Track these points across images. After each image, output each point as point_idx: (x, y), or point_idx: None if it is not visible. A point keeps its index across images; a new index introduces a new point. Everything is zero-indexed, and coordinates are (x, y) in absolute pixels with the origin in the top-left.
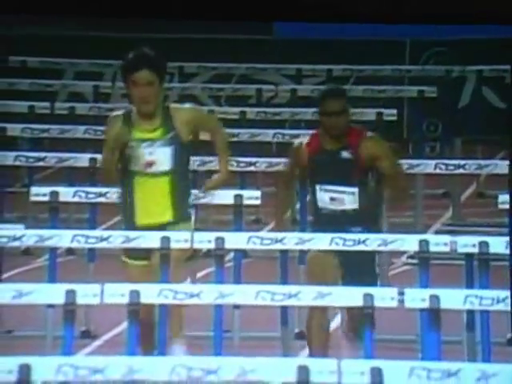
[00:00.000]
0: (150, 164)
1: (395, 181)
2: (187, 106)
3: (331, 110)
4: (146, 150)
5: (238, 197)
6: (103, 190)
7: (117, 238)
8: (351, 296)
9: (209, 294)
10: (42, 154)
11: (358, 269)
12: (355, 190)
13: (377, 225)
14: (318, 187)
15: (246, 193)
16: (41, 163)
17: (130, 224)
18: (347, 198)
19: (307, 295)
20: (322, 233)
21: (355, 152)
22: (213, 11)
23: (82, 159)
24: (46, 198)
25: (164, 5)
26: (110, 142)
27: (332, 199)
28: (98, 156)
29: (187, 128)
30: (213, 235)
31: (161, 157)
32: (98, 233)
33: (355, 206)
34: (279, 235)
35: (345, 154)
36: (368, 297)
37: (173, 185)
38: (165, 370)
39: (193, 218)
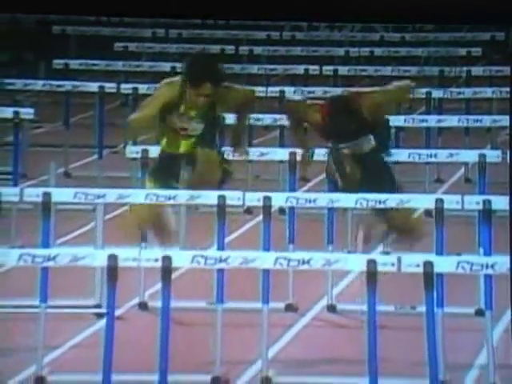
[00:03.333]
0: (184, 130)
1: None
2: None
3: None
4: (185, 123)
5: None
6: None
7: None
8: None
9: None
10: None
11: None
12: None
13: None
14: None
15: None
16: None
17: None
18: None
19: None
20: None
21: None
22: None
23: None
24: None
25: None
26: (158, 101)
27: None
28: None
29: (225, 106)
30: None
31: (192, 128)
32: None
33: None
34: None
35: None
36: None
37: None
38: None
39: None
